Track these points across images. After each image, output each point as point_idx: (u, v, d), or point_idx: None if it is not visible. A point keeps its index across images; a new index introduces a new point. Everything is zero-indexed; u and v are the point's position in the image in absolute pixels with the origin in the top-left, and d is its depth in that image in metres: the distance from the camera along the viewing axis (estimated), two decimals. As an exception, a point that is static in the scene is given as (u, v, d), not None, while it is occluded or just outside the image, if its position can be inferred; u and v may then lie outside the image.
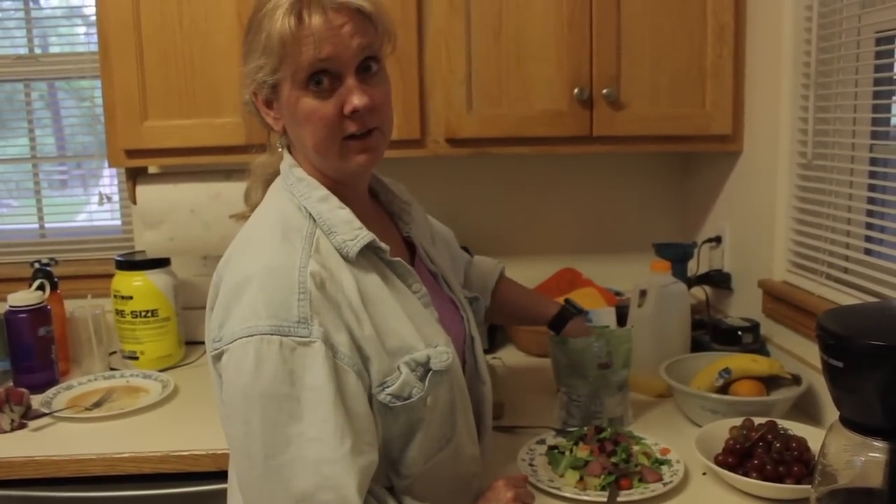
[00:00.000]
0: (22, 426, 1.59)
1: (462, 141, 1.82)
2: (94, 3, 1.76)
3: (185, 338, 2.01)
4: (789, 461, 1.24)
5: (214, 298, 1.04)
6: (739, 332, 1.68)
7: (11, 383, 1.75)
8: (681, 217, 2.25)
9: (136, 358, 1.91)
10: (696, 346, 1.75)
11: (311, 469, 0.94)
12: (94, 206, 2.28)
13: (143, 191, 1.89)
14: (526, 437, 1.46)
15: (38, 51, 2.22)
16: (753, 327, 1.70)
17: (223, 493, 1.20)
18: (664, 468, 1.32)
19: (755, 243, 1.82)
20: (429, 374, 1.05)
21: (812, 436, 1.29)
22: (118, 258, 1.95)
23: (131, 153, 1.82)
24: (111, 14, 1.75)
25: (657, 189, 2.24)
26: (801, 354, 1.59)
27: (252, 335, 0.95)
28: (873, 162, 1.47)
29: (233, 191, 1.79)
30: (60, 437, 1.57)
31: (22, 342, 1.78)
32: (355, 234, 1.05)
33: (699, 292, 1.99)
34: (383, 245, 1.08)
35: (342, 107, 1.03)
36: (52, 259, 2.00)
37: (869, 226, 1.51)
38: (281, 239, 1.02)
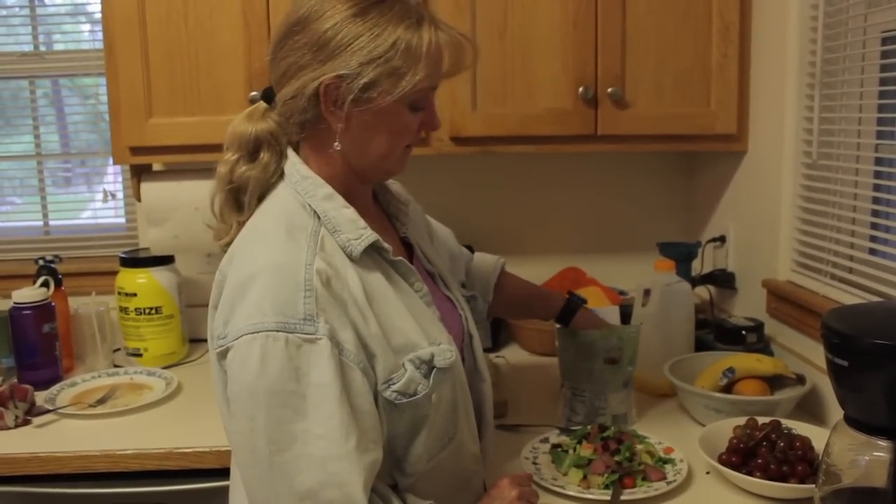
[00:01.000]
0: (26, 423, 1.59)
1: (467, 139, 1.82)
2: (99, 1, 1.77)
3: (189, 335, 2.01)
4: (793, 460, 1.24)
5: (218, 296, 1.04)
6: (743, 332, 1.68)
7: (15, 380, 1.75)
8: (685, 216, 2.25)
9: (140, 355, 1.92)
10: (700, 346, 1.75)
11: (315, 466, 0.94)
12: (99, 203, 2.28)
13: (147, 188, 1.89)
14: (529, 435, 1.46)
15: (42, 48, 2.22)
16: (757, 327, 1.70)
17: (226, 489, 1.20)
18: (668, 467, 1.33)
19: (759, 243, 1.82)
20: (433, 372, 1.05)
21: (816, 435, 1.29)
22: (122, 255, 1.96)
23: (136, 150, 1.82)
24: (116, 11, 1.75)
25: (661, 188, 2.24)
26: (805, 354, 1.59)
27: (258, 332, 0.94)
28: (878, 162, 1.47)
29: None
30: (64, 433, 1.57)
31: (26, 339, 1.78)
32: (360, 233, 1.05)
33: (703, 292, 1.99)
34: (386, 245, 1.08)
35: (421, 121, 1.09)
36: (56, 256, 2.00)
37: (874, 225, 1.51)
38: (286, 236, 1.02)
